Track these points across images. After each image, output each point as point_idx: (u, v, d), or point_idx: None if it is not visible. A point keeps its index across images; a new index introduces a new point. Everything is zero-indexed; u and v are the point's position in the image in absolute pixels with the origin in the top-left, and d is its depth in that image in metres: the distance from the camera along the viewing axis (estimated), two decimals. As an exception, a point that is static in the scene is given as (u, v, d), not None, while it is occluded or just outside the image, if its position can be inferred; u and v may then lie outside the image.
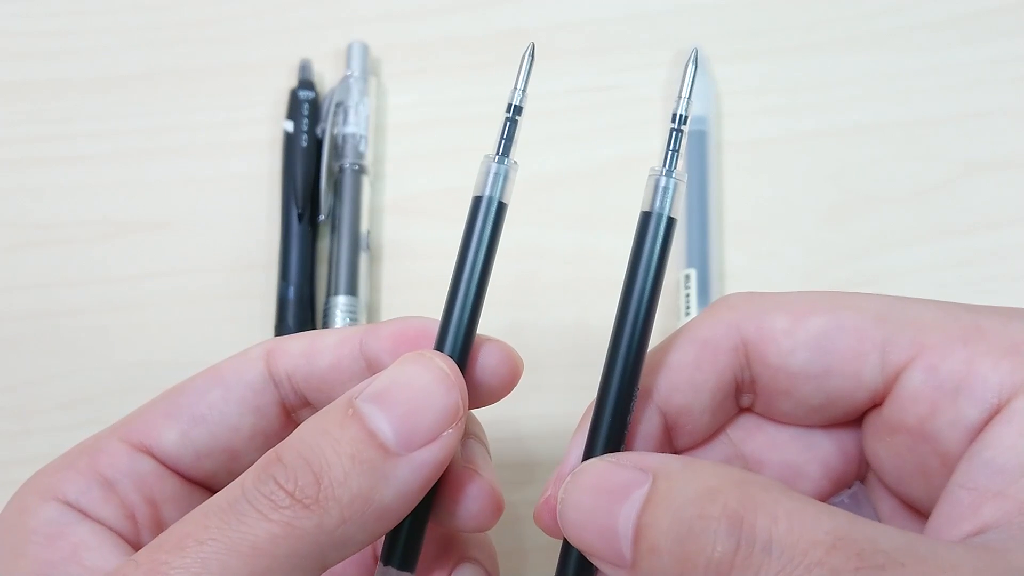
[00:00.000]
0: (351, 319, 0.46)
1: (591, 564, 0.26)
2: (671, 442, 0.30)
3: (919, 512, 0.29)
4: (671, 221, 0.28)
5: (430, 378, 0.27)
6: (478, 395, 0.30)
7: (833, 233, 0.47)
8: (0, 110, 0.52)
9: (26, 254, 0.49)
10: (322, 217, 0.48)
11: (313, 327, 0.47)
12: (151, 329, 0.47)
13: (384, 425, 0.26)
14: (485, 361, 0.30)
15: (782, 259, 0.47)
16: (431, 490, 0.28)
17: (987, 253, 0.47)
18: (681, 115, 0.28)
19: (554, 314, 0.47)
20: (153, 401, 0.31)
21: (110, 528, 0.29)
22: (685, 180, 0.28)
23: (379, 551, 0.30)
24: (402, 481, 0.26)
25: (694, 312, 0.45)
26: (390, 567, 0.29)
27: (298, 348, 0.31)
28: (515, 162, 0.29)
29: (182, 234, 0.49)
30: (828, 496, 0.31)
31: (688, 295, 0.45)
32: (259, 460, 0.26)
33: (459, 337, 0.29)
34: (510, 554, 0.42)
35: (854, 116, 0.49)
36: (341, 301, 0.46)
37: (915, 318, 0.28)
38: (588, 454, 0.28)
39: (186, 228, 0.49)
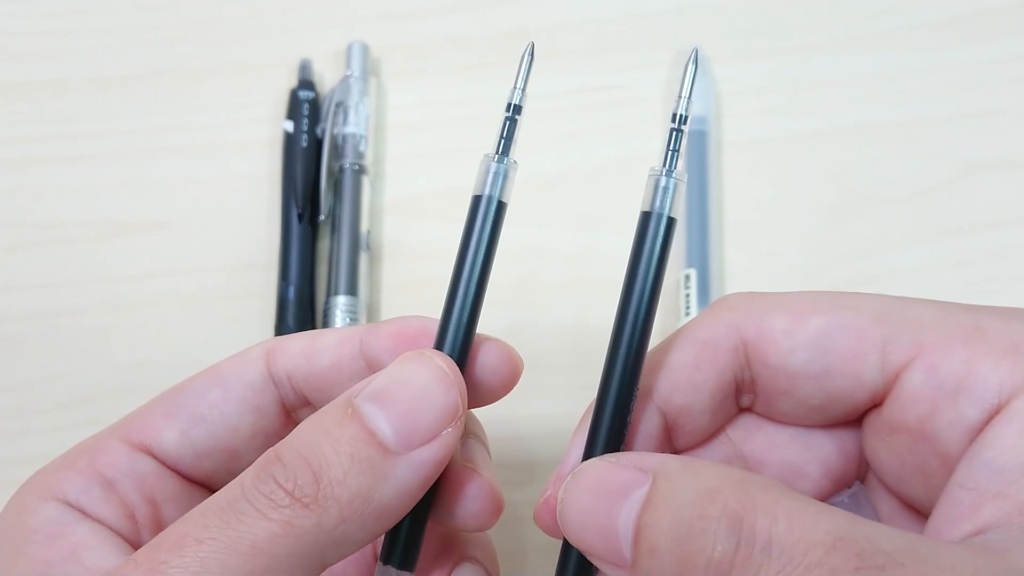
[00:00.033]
0: (351, 319, 0.46)
1: (591, 564, 0.26)
2: (671, 442, 0.30)
3: (919, 512, 0.29)
4: (671, 221, 0.28)
5: (429, 377, 0.27)
6: (478, 394, 0.30)
7: (833, 233, 0.47)
8: (0, 110, 0.52)
9: (26, 254, 0.49)
10: (322, 217, 0.48)
11: (313, 327, 0.47)
12: (151, 329, 0.47)
13: (383, 424, 0.26)
14: (485, 360, 0.30)
15: (782, 259, 0.47)
16: (431, 489, 0.28)
17: (987, 253, 0.47)
18: (681, 115, 0.28)
19: (554, 314, 0.47)
20: (153, 401, 0.31)
21: (110, 528, 0.29)
22: (685, 180, 0.28)
23: (379, 550, 0.30)
24: (401, 480, 0.26)
25: (694, 312, 0.45)
26: (390, 566, 0.29)
27: (298, 348, 0.31)
28: (515, 161, 0.29)
29: (182, 234, 0.49)
30: (828, 496, 0.31)
31: (688, 295, 0.45)
32: (258, 459, 0.26)
33: (459, 336, 0.29)
34: (510, 554, 0.42)
35: (854, 116, 0.49)
36: (341, 301, 0.46)
37: (915, 318, 0.28)
38: (588, 454, 0.28)
39: (186, 228, 0.49)
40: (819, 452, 0.31)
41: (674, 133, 0.28)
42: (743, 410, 0.31)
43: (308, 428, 0.27)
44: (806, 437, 0.31)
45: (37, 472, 0.30)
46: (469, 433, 0.32)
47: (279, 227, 0.48)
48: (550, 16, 0.52)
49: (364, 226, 0.48)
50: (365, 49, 0.51)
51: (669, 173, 0.28)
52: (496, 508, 0.30)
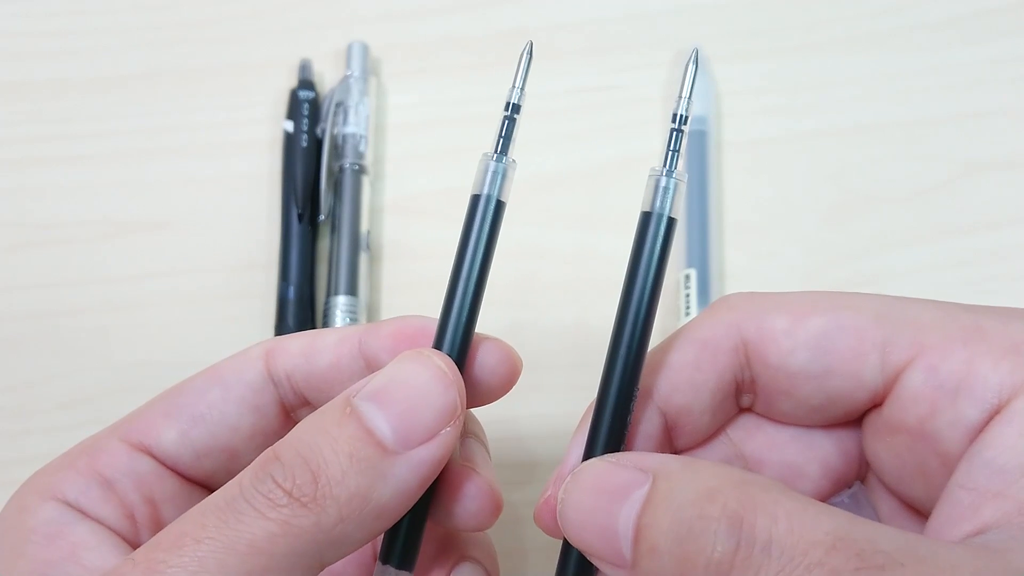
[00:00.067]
0: (351, 319, 0.46)
1: (591, 564, 0.26)
2: (671, 442, 0.30)
3: (919, 512, 0.29)
4: (671, 221, 0.28)
5: (428, 376, 0.27)
6: (477, 394, 0.30)
7: (833, 233, 0.47)
8: (0, 110, 0.52)
9: (26, 254, 0.49)
10: (322, 217, 0.48)
11: (313, 327, 0.47)
12: (151, 329, 0.47)
13: (382, 423, 0.26)
14: (484, 360, 0.30)
15: (782, 259, 0.47)
16: (430, 489, 0.28)
17: (987, 253, 0.47)
18: (681, 115, 0.28)
19: (554, 314, 0.47)
20: (152, 401, 0.31)
21: (109, 528, 0.29)
22: (685, 180, 0.28)
23: (379, 550, 0.30)
24: (400, 479, 0.26)
25: (694, 312, 0.45)
26: (389, 566, 0.29)
27: (297, 347, 0.31)
28: (513, 160, 0.29)
29: (182, 234, 0.49)
30: (828, 496, 0.31)
31: (688, 295, 0.45)
32: (257, 459, 0.26)
33: (457, 336, 0.29)
34: (510, 554, 0.42)
35: (854, 116, 0.49)
36: (341, 301, 0.46)
37: (915, 318, 0.28)
38: (588, 454, 0.28)
39: (186, 228, 0.49)
40: (819, 452, 0.31)
41: (674, 133, 0.28)
42: (743, 410, 0.31)
43: (306, 427, 0.27)
44: (806, 437, 0.31)
45: (37, 472, 0.30)
46: (468, 433, 0.32)
47: (279, 227, 0.48)
48: (550, 16, 0.52)
49: (364, 226, 0.48)
50: (365, 49, 0.51)
51: (669, 173, 0.28)
52: (495, 508, 0.30)
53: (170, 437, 0.30)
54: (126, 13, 0.54)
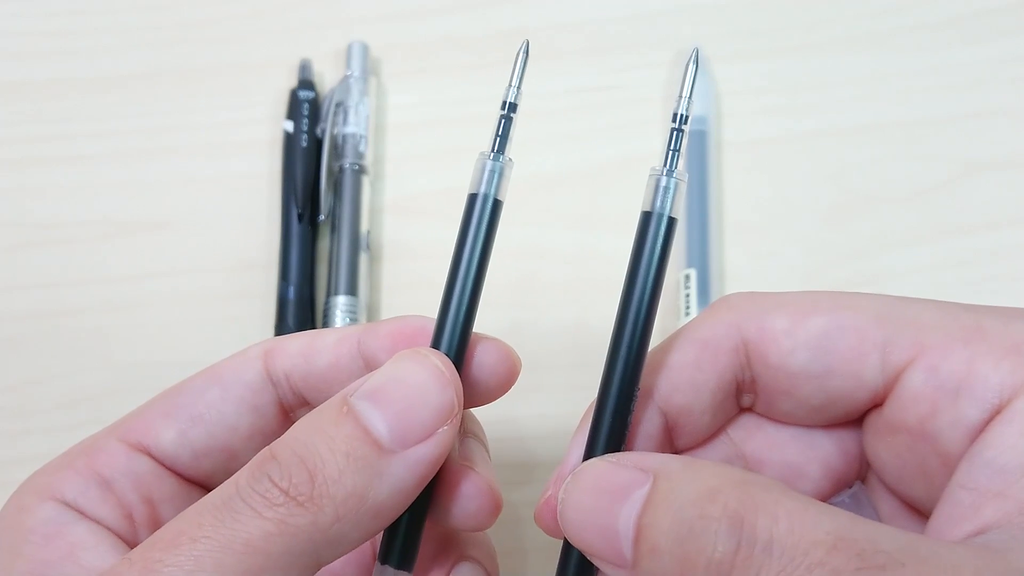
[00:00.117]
0: (351, 319, 0.46)
1: (592, 564, 0.26)
2: (672, 442, 0.30)
3: (920, 512, 0.29)
4: (672, 221, 0.28)
5: (425, 375, 0.27)
6: (476, 393, 0.30)
7: (833, 233, 0.47)
8: (0, 110, 0.52)
9: (26, 254, 0.49)
10: (322, 217, 0.48)
11: (313, 327, 0.47)
12: (151, 329, 0.47)
13: (379, 422, 0.26)
14: (483, 359, 0.30)
15: (782, 259, 0.47)
16: (429, 488, 0.28)
17: (987, 253, 0.47)
18: (682, 115, 0.28)
19: (554, 314, 0.47)
20: (151, 401, 0.31)
21: (107, 528, 0.29)
22: (686, 180, 0.28)
23: (378, 550, 0.30)
24: (397, 478, 0.26)
25: (694, 312, 0.45)
26: (388, 566, 0.29)
27: (296, 347, 0.31)
28: (510, 159, 0.29)
29: (182, 234, 0.49)
30: (829, 496, 0.31)
31: (688, 295, 0.45)
32: (254, 458, 0.26)
33: (455, 335, 0.29)
34: (510, 554, 0.42)
35: (854, 116, 0.49)
36: (341, 301, 0.46)
37: (915, 318, 0.28)
38: (589, 454, 0.28)
39: (186, 228, 0.49)
40: (820, 452, 0.31)
41: (675, 133, 0.28)
42: (744, 410, 0.31)
43: (303, 427, 0.27)
44: (807, 437, 0.31)
45: (36, 472, 0.30)
46: (468, 432, 0.32)
47: (279, 227, 0.48)
48: (550, 16, 0.52)
49: (364, 226, 0.48)
50: (365, 49, 0.51)
51: (670, 173, 0.28)
52: (495, 507, 0.30)
53: (168, 437, 0.30)
54: (126, 13, 0.54)
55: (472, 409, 0.31)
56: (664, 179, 0.28)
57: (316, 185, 0.48)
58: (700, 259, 0.46)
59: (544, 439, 0.44)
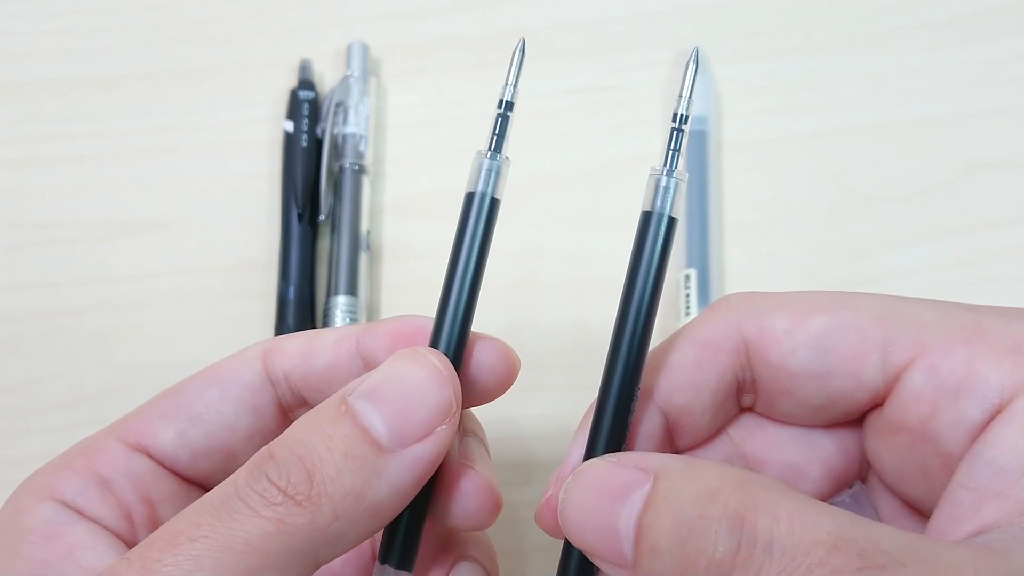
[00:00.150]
0: (351, 319, 0.46)
1: (592, 564, 0.26)
2: (672, 442, 0.30)
3: (920, 512, 0.29)
4: (672, 221, 0.28)
5: (423, 374, 0.27)
6: (475, 393, 0.30)
7: (833, 233, 0.47)
8: (0, 110, 0.52)
9: (26, 254, 0.49)
10: (322, 217, 0.48)
11: (313, 327, 0.46)
12: (151, 329, 0.47)
13: (377, 421, 0.26)
14: (481, 359, 0.30)
15: (782, 259, 0.47)
16: (428, 488, 0.28)
17: (987, 253, 0.47)
18: (682, 115, 0.28)
19: (554, 314, 0.47)
20: (150, 401, 0.31)
21: (106, 528, 0.29)
22: (686, 180, 0.28)
23: (377, 550, 0.30)
24: (395, 477, 0.26)
25: (694, 312, 0.45)
26: (387, 566, 0.29)
27: (295, 347, 0.31)
28: (507, 158, 0.29)
29: (182, 234, 0.49)
30: (829, 496, 0.31)
31: (688, 295, 0.45)
32: (252, 457, 0.26)
33: (453, 334, 0.29)
34: (510, 554, 0.42)
35: (854, 116, 0.49)
36: (341, 301, 0.46)
37: (916, 318, 0.28)
38: (589, 454, 0.28)
39: (186, 228, 0.49)
40: (820, 452, 0.31)
41: (675, 133, 0.28)
42: (744, 410, 0.31)
43: (302, 426, 0.27)
44: (807, 437, 0.31)
45: (35, 472, 0.30)
46: (468, 431, 0.32)
47: (279, 227, 0.48)
48: (550, 16, 0.52)
49: (364, 226, 0.48)
50: (365, 49, 0.51)
51: (670, 173, 0.28)
52: (495, 506, 0.30)
53: (167, 437, 0.30)
54: (126, 13, 0.54)
55: (472, 409, 0.31)
56: (664, 179, 0.28)
57: (316, 185, 0.48)
58: (700, 259, 0.46)
59: (544, 439, 0.44)
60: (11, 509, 0.29)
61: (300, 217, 0.48)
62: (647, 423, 0.29)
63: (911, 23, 0.51)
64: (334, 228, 0.48)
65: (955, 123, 0.49)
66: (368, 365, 0.30)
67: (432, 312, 0.30)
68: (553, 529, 0.27)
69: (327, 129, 0.49)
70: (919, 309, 0.28)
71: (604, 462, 0.26)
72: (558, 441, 0.33)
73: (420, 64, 0.52)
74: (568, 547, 0.28)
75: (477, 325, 0.30)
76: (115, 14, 0.54)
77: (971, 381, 0.26)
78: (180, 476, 0.31)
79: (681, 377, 0.29)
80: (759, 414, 0.31)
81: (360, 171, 0.49)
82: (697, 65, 0.28)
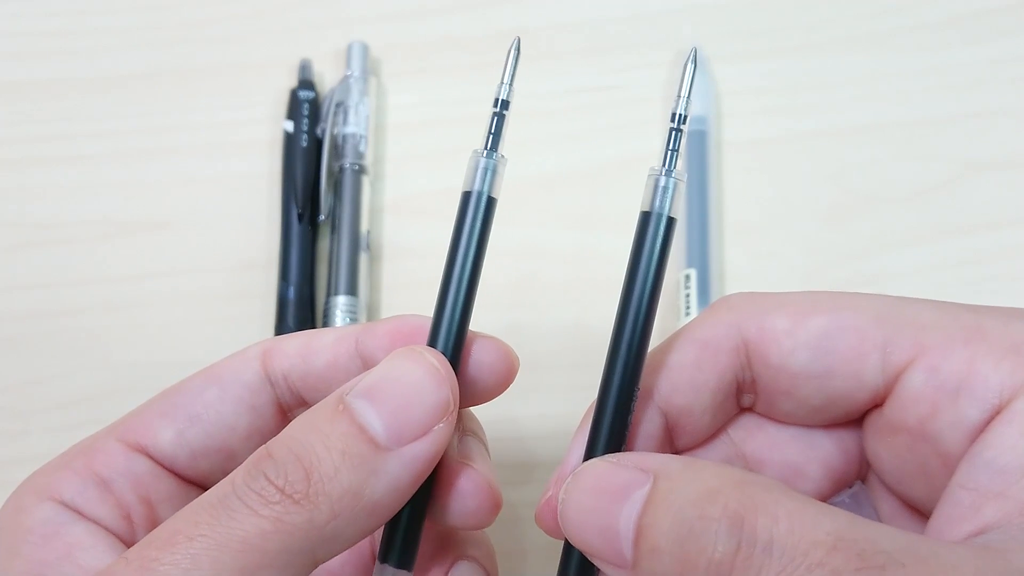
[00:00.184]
0: (351, 319, 0.46)
1: (592, 565, 0.26)
2: (672, 442, 0.30)
3: (920, 512, 0.29)
4: (671, 221, 0.28)
5: (421, 373, 0.27)
6: (475, 392, 0.30)
7: (833, 233, 0.47)
8: (0, 110, 0.52)
9: (26, 254, 0.49)
10: (322, 217, 0.48)
11: (313, 327, 0.46)
12: (151, 329, 0.47)
13: (374, 420, 0.26)
14: (480, 358, 0.30)
15: (782, 259, 0.47)
16: (428, 487, 0.28)
17: (987, 253, 0.47)
18: (680, 114, 0.28)
19: (554, 314, 0.47)
20: (150, 401, 0.31)
21: (105, 528, 0.29)
22: (685, 180, 0.28)
23: (377, 549, 0.30)
24: (393, 476, 0.26)
25: (694, 312, 0.45)
26: (387, 565, 0.29)
27: (295, 347, 0.31)
28: (503, 156, 0.29)
29: (182, 234, 0.49)
30: (829, 496, 0.31)
31: (688, 295, 0.45)
32: (250, 456, 0.26)
33: (451, 332, 0.29)
34: (510, 555, 0.42)
35: (854, 116, 0.49)
36: (341, 301, 0.46)
37: (916, 318, 0.28)
38: (589, 454, 0.28)
39: (186, 228, 0.49)
40: (820, 452, 0.31)
41: (673, 133, 0.28)
42: (744, 410, 0.31)
43: (299, 425, 0.27)
44: (807, 437, 0.31)
45: (34, 472, 0.30)
46: (468, 431, 0.31)
47: (279, 227, 0.48)
48: (550, 16, 0.52)
49: (364, 226, 0.48)
50: (365, 49, 0.51)
51: (668, 173, 0.28)
52: (494, 505, 0.30)
53: (167, 437, 0.30)
54: (126, 13, 0.54)
55: (472, 408, 0.31)
56: (663, 179, 0.28)
57: (316, 185, 0.48)
58: (700, 259, 0.46)
59: (544, 439, 0.44)
60: (11, 509, 0.29)
61: (300, 217, 0.48)
62: (647, 423, 0.29)
63: (911, 23, 0.51)
64: (334, 228, 0.48)
65: (955, 123, 0.49)
66: (367, 365, 0.30)
67: (431, 312, 0.30)
68: (553, 530, 0.27)
69: (327, 129, 0.49)
70: (919, 309, 0.28)
71: (604, 462, 0.26)
72: (558, 441, 0.33)
73: (420, 64, 0.52)
74: (568, 547, 0.28)
75: (477, 325, 0.30)
76: (115, 14, 0.54)
77: (971, 381, 0.26)
78: (179, 476, 0.31)
79: (681, 377, 0.29)
80: (759, 414, 0.31)
81: (360, 171, 0.49)
82: (695, 65, 0.28)
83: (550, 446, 0.44)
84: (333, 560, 0.27)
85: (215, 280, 0.48)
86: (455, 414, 0.28)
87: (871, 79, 0.50)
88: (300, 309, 0.46)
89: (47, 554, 0.28)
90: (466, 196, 0.29)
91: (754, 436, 0.31)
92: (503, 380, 0.30)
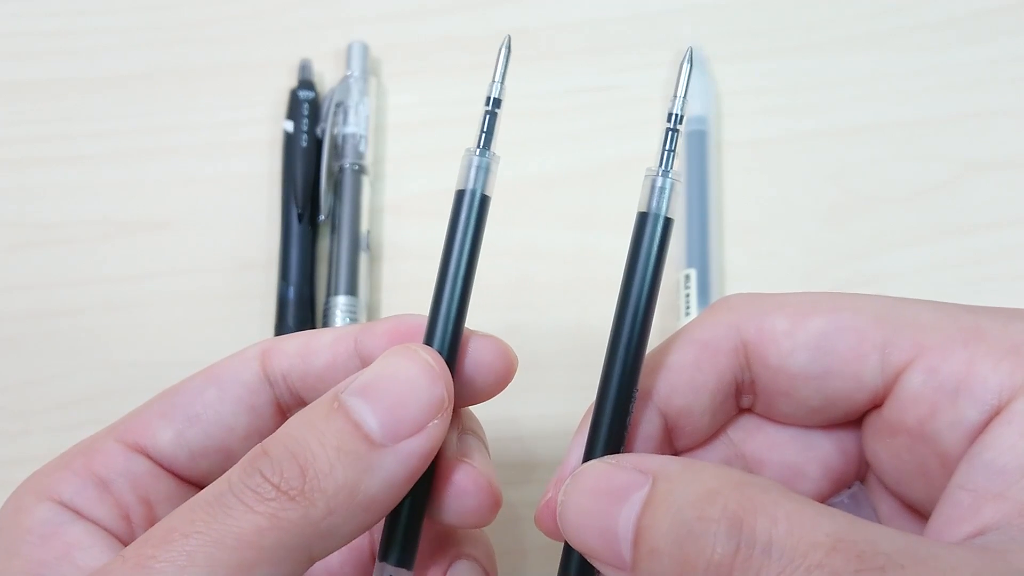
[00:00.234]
0: (351, 319, 0.46)
1: (592, 566, 0.26)
2: (671, 443, 0.30)
3: (919, 513, 0.29)
4: (668, 221, 0.28)
5: (416, 370, 0.27)
6: (473, 390, 0.30)
7: (833, 233, 0.47)
8: (0, 110, 0.52)
9: (26, 254, 0.49)
10: (322, 217, 0.48)
11: (313, 327, 0.46)
12: (151, 329, 0.47)
13: (369, 417, 0.26)
14: (479, 356, 0.30)
15: (782, 259, 0.47)
16: (427, 485, 0.28)
17: (987, 253, 0.47)
18: (677, 115, 0.28)
19: (554, 314, 0.47)
20: (149, 401, 0.31)
21: (104, 528, 0.29)
22: (682, 180, 0.28)
23: (377, 549, 0.30)
24: (388, 472, 0.26)
25: (694, 312, 0.45)
26: (387, 564, 0.29)
27: (294, 347, 0.31)
28: (496, 154, 0.29)
29: (182, 234, 0.49)
30: (828, 496, 0.31)
31: (688, 295, 0.45)
32: (247, 454, 0.27)
33: (446, 331, 0.29)
34: (510, 555, 0.42)
35: (854, 116, 0.49)
36: (341, 301, 0.46)
37: (915, 319, 0.28)
38: (588, 455, 0.28)
39: (186, 228, 0.49)
40: (819, 452, 0.31)
41: (670, 133, 0.28)
42: (743, 411, 0.31)
43: (295, 423, 0.27)
44: (806, 438, 0.31)
45: (34, 473, 0.30)
46: (467, 430, 0.31)
47: (279, 227, 0.48)
48: (550, 16, 0.52)
49: (364, 226, 0.48)
50: (365, 49, 0.51)
51: (665, 173, 0.28)
52: (494, 504, 0.30)
53: (166, 437, 0.30)
54: (126, 13, 0.54)
55: (471, 408, 0.31)
56: (659, 179, 0.28)
57: (316, 185, 0.48)
58: (700, 259, 0.46)
59: (544, 439, 0.44)
60: (10, 509, 0.29)
61: (300, 217, 0.48)
62: (646, 424, 0.29)
63: (911, 23, 0.51)
64: (334, 228, 0.48)
65: (955, 123, 0.49)
66: (366, 364, 0.30)
67: (429, 311, 0.30)
68: (553, 531, 0.27)
69: (327, 129, 0.49)
70: (918, 310, 0.28)
71: (603, 464, 0.26)
72: (558, 441, 0.33)
73: (420, 64, 0.52)
74: (568, 549, 0.28)
75: (477, 325, 0.30)
76: (115, 14, 0.54)
77: (970, 382, 0.26)
78: (178, 476, 0.31)
79: (680, 378, 0.29)
80: (758, 415, 0.31)
81: (360, 171, 0.49)
82: (692, 65, 0.28)
83: (550, 446, 0.44)
84: (332, 559, 0.27)
85: (215, 280, 0.48)
86: (450, 411, 0.28)
87: (871, 79, 0.50)
88: (300, 309, 0.46)
89: (46, 554, 0.28)
90: (460, 195, 0.29)
91: (753, 437, 0.31)
92: (502, 379, 0.30)
